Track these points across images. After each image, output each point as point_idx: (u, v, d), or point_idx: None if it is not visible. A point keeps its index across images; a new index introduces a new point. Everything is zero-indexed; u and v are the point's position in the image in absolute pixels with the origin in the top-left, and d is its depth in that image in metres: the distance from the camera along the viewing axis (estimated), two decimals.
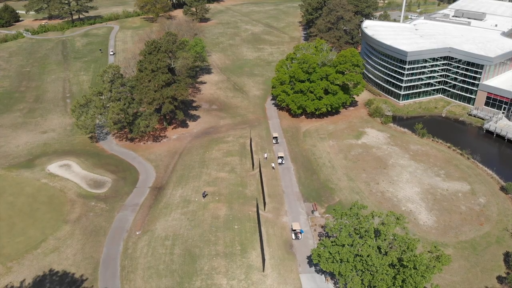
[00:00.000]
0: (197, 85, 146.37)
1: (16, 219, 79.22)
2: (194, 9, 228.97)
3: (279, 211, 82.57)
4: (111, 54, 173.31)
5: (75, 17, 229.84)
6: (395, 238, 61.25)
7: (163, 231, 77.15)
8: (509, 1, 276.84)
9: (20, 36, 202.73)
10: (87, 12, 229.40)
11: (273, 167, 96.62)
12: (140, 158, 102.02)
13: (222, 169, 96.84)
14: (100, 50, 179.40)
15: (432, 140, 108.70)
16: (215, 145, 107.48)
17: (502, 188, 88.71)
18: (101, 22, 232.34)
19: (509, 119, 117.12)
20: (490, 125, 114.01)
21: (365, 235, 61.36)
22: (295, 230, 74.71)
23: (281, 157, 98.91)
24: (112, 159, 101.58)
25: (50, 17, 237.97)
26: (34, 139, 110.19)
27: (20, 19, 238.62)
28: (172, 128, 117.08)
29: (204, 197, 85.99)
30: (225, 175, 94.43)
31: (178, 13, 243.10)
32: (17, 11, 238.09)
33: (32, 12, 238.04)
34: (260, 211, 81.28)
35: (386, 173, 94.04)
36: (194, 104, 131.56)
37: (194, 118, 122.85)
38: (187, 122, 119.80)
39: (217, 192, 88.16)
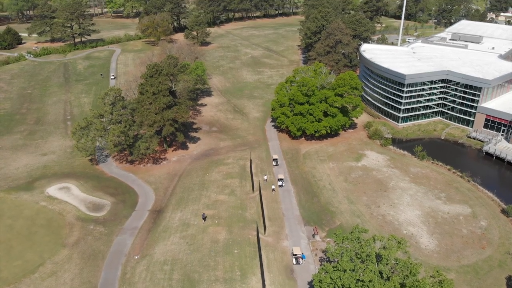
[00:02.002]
0: (197, 107, 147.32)
1: (14, 242, 78.48)
2: (195, 33, 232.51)
3: (280, 235, 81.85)
4: (112, 78, 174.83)
5: (77, 40, 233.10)
6: (397, 262, 60.55)
7: (162, 256, 76.26)
8: (506, 24, 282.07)
9: (22, 58, 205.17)
10: (89, 35, 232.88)
11: (273, 190, 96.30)
12: (139, 180, 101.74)
13: (221, 191, 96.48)
14: (101, 74, 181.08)
15: (432, 162, 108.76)
16: (215, 167, 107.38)
17: (503, 211, 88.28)
18: (103, 45, 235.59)
19: (508, 141, 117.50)
20: (490, 147, 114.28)
21: (367, 259, 60.67)
22: (295, 254, 73.89)
23: (281, 179, 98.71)
24: (112, 181, 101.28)
25: (53, 40, 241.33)
26: (34, 161, 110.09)
27: (23, 41, 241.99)
28: (172, 150, 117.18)
29: (203, 219, 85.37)
30: (225, 197, 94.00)
31: (179, 36, 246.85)
32: (19, 34, 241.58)
33: (34, 35, 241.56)
34: (260, 235, 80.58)
35: (386, 196, 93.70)
36: (194, 126, 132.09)
37: (194, 140, 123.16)
38: (187, 144, 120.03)
39: (217, 215, 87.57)
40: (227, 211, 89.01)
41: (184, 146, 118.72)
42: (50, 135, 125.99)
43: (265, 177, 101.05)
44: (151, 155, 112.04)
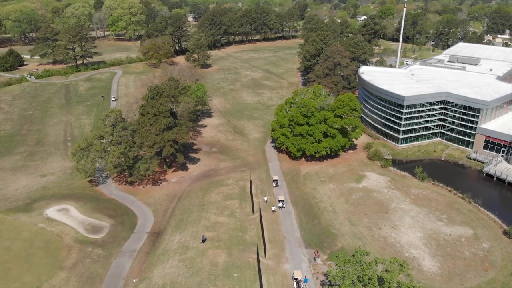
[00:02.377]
0: (198, 128, 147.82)
1: (12, 264, 77.41)
2: (196, 56, 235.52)
3: (280, 258, 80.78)
4: (113, 100, 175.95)
5: (79, 62, 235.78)
6: (400, 286, 59.63)
7: (160, 279, 75.04)
8: (503, 46, 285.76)
9: (24, 80, 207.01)
10: (91, 57, 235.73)
11: (273, 211, 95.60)
12: (139, 202, 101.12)
13: (221, 213, 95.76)
14: (102, 96, 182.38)
15: (433, 184, 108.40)
16: (214, 188, 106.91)
17: (505, 233, 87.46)
18: (104, 67, 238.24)
19: (508, 162, 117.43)
20: (490, 169, 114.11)
21: (369, 283, 59.74)
22: (296, 278, 72.72)
23: (282, 201, 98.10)
24: (111, 203, 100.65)
25: (55, 62, 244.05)
26: (33, 183, 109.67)
27: (25, 63, 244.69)
28: (172, 171, 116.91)
29: (203, 241, 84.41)
30: (225, 219, 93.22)
31: (181, 59, 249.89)
32: (21, 56, 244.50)
33: (36, 57, 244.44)
34: (260, 258, 79.53)
35: (388, 217, 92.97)
36: (194, 147, 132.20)
37: (194, 161, 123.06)
38: (187, 165, 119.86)
39: (216, 237, 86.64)
40: (226, 233, 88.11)
41: (184, 167, 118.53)
42: (50, 156, 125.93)
43: (265, 198, 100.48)
44: (151, 176, 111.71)
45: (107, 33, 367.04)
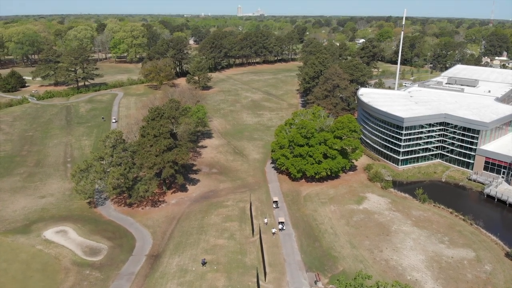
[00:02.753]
0: (198, 149, 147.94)
1: (9, 287, 76.01)
2: (197, 78, 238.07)
3: (281, 282, 79.47)
4: (113, 122, 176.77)
5: (80, 84, 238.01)
6: None
7: None
8: (501, 67, 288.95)
9: (25, 101, 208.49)
10: (92, 79, 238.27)
11: (273, 233, 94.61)
12: (137, 224, 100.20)
13: (221, 235, 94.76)
14: (103, 118, 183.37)
15: (434, 205, 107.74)
16: (214, 210, 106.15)
17: (507, 255, 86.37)
18: (105, 89, 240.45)
19: (509, 183, 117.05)
20: (491, 190, 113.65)
21: None
22: None
23: (282, 223, 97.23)
24: (110, 225, 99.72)
25: (56, 84, 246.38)
26: (32, 204, 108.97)
27: (26, 84, 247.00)
28: (171, 193, 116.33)
29: (203, 264, 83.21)
30: (224, 242, 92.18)
31: (181, 81, 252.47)
32: (23, 77, 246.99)
33: (38, 78, 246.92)
34: (260, 282, 78.21)
35: (389, 240, 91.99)
36: (194, 168, 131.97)
37: (194, 182, 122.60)
38: (187, 186, 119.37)
39: (216, 260, 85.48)
40: (226, 256, 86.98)
41: (183, 188, 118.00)
42: (49, 178, 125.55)
43: (266, 220, 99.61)
44: (150, 197, 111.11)
45: (109, 55, 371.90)
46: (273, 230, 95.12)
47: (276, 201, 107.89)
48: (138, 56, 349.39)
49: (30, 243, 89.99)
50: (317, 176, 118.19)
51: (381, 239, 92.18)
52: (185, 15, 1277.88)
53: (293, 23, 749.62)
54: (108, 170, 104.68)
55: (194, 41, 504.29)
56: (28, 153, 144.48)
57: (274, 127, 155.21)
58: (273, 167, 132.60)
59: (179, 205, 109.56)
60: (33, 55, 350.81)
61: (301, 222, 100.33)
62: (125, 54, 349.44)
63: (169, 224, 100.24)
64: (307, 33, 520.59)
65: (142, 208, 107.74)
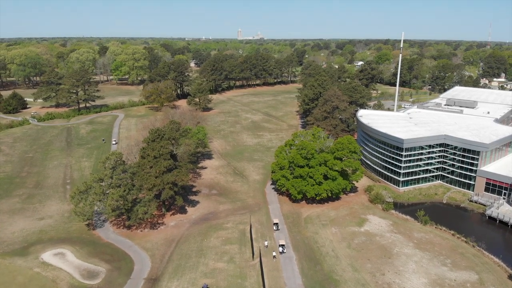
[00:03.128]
0: (197, 170, 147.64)
1: None
2: (197, 100, 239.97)
3: None
4: (113, 143, 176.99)
5: (81, 105, 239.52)
6: None
7: None
8: (499, 89, 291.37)
9: (26, 122, 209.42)
10: (93, 101, 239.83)
11: (274, 256, 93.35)
12: (136, 246, 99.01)
13: (220, 258, 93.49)
14: (103, 140, 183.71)
15: (436, 227, 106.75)
16: (213, 232, 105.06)
17: (510, 277, 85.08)
18: (106, 111, 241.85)
19: (510, 205, 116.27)
20: (492, 211, 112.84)
21: None
22: None
23: (282, 245, 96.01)
24: (108, 247, 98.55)
25: (57, 105, 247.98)
26: (30, 226, 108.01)
27: (28, 106, 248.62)
28: (171, 215, 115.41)
29: None
30: (224, 265, 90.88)
31: (182, 103, 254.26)
32: (25, 99, 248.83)
33: (39, 100, 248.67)
34: None
35: (391, 262, 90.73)
36: (194, 189, 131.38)
37: (193, 203, 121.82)
38: (186, 207, 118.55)
39: (215, 284, 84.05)
40: (225, 280, 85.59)
41: (182, 210, 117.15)
42: (48, 199, 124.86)
43: (266, 243, 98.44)
44: (149, 219, 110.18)
45: (110, 77, 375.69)
46: (274, 253, 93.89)
47: (277, 223, 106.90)
48: (139, 78, 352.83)
49: (27, 265, 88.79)
50: (317, 198, 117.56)
51: (383, 262, 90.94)
52: (186, 39, 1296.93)
53: (292, 46, 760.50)
54: (107, 192, 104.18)
55: (195, 63, 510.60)
56: (27, 175, 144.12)
57: (274, 148, 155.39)
58: (273, 188, 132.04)
59: (178, 227, 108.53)
60: (35, 77, 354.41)
61: (302, 245, 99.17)
62: (127, 76, 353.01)
63: (168, 247, 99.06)
64: (306, 56, 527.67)
65: (141, 231, 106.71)
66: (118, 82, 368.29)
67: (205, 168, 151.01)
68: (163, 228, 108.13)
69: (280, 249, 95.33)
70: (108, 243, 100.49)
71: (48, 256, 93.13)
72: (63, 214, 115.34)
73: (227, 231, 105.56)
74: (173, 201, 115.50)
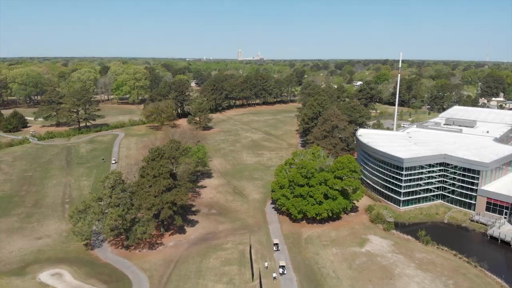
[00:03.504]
0: (197, 189, 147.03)
1: None
2: (197, 119, 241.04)
3: None
4: (113, 163, 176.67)
5: (82, 124, 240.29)
6: None
7: None
8: (498, 108, 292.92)
9: (26, 141, 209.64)
10: (94, 120, 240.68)
11: (274, 278, 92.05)
12: (134, 267, 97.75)
13: (219, 280, 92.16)
14: (103, 159, 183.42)
15: (437, 247, 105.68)
16: (212, 253, 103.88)
17: None
18: (107, 130, 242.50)
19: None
20: (494, 231, 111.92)
21: None
22: None
23: (283, 267, 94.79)
24: (106, 268, 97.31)
25: (58, 124, 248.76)
26: (28, 245, 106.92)
27: (28, 125, 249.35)
28: (169, 235, 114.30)
29: None
30: (223, 287, 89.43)
31: (183, 121, 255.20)
32: (25, 117, 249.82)
33: (40, 119, 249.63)
34: None
35: (393, 284, 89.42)
36: (193, 209, 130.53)
37: (193, 223, 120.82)
38: (185, 227, 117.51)
39: None
40: None
41: (181, 230, 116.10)
42: (46, 218, 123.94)
43: (266, 264, 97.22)
44: (148, 239, 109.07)
45: (111, 96, 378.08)
46: (274, 275, 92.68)
47: (277, 244, 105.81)
48: (140, 97, 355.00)
49: (25, 285, 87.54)
50: (318, 217, 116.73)
51: (384, 283, 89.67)
52: (187, 59, 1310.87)
53: (291, 67, 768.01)
54: (106, 211, 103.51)
55: (196, 83, 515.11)
56: (26, 193, 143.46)
57: (274, 167, 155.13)
58: (273, 207, 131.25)
59: (177, 248, 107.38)
60: (36, 96, 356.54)
61: (303, 266, 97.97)
62: (127, 96, 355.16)
63: (167, 268, 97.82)
64: (306, 76, 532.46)
65: (139, 251, 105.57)
66: (119, 101, 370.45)
67: (205, 187, 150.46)
68: (161, 249, 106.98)
69: (281, 270, 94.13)
70: (106, 264, 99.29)
71: (45, 276, 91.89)
72: (61, 233, 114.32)
73: (227, 252, 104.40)
74: (172, 220, 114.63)
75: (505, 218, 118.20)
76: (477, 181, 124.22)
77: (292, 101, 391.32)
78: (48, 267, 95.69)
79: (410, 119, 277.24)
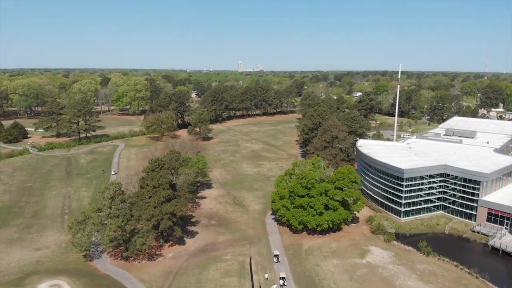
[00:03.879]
0: (197, 200, 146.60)
1: None
2: (198, 129, 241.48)
3: None
4: (113, 174, 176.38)
5: (82, 135, 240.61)
6: None
7: None
8: (498, 119, 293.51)
9: (26, 152, 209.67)
10: (94, 131, 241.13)
11: None
12: (133, 278, 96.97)
13: None
14: (103, 170, 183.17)
15: (438, 258, 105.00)
16: (212, 265, 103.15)
17: None
18: (107, 140, 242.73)
19: None
20: (495, 242, 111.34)
21: None
22: None
23: (283, 278, 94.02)
24: (105, 279, 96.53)
25: (58, 135, 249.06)
26: (27, 256, 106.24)
27: (28, 136, 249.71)
28: (169, 246, 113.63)
29: None
30: None
31: (183, 132, 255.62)
32: (26, 128, 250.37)
33: (40, 130, 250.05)
34: None
35: None
36: (193, 220, 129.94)
37: (192, 234, 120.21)
38: (185, 238, 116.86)
39: None
40: None
41: (181, 241, 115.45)
42: (46, 229, 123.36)
43: (266, 276, 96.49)
44: (147, 251, 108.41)
45: (112, 107, 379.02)
46: (274, 286, 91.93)
47: (277, 255, 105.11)
48: (140, 108, 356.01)
49: None
50: (318, 228, 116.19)
51: None
52: (187, 70, 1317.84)
53: (291, 78, 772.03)
54: (105, 222, 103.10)
55: (196, 94, 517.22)
56: (26, 204, 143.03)
57: (274, 177, 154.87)
58: (273, 218, 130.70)
59: (176, 259, 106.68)
60: (36, 107, 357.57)
61: (303, 278, 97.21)
62: (128, 107, 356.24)
63: (166, 279, 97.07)
64: (305, 87, 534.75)
65: (139, 262, 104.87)
66: (119, 112, 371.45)
67: (205, 197, 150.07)
68: (161, 260, 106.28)
69: (281, 282, 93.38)
70: (105, 275, 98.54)
71: (44, 287, 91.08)
72: (60, 244, 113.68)
73: (226, 263, 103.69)
74: (172, 231, 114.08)
75: (506, 228, 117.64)
76: (477, 192, 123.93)
77: (292, 111, 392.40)
78: (47, 278, 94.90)
79: (410, 129, 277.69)
